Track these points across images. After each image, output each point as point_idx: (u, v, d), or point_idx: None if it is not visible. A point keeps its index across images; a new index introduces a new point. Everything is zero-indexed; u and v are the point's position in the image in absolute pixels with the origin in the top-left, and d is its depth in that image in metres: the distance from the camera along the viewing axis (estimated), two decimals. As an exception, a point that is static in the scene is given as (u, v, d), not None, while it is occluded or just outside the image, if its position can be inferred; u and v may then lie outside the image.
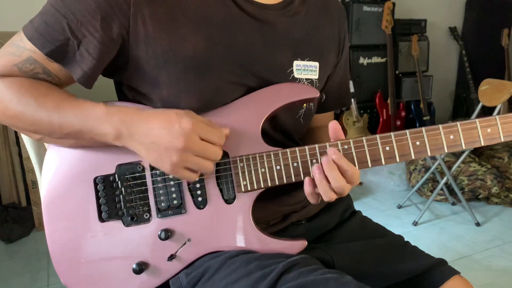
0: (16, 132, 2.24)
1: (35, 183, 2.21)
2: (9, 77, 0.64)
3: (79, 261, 0.69)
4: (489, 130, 0.65)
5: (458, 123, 0.65)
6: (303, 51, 0.74)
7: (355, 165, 0.65)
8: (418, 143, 0.65)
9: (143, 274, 0.68)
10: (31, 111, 0.63)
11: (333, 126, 0.66)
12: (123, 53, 0.64)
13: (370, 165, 0.65)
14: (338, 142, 0.65)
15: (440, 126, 0.64)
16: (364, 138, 0.65)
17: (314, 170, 0.64)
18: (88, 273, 0.69)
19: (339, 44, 0.83)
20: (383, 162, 0.65)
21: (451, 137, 0.65)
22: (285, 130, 0.75)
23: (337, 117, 3.01)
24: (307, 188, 0.65)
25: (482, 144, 0.64)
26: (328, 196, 0.64)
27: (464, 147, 0.65)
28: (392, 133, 0.65)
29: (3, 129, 2.21)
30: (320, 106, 0.85)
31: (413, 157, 0.65)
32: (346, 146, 0.65)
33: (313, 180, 0.65)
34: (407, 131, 0.65)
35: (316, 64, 0.76)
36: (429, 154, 0.65)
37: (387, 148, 0.65)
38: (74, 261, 0.69)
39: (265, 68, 0.70)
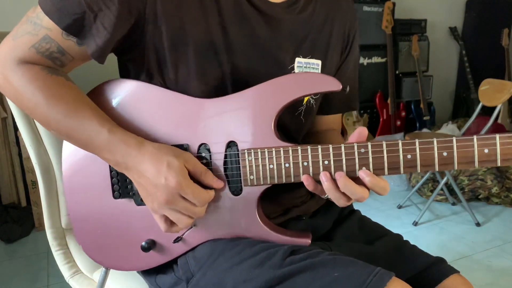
0: (16, 132, 2.23)
1: (35, 183, 2.21)
2: (27, 66, 0.64)
3: (96, 232, 0.72)
4: None
5: (497, 135, 0.56)
6: (306, 48, 0.74)
7: (370, 170, 0.60)
8: (445, 153, 0.58)
9: (151, 251, 0.70)
10: (41, 110, 0.64)
11: (361, 132, 0.61)
12: (137, 30, 0.64)
13: (386, 173, 0.60)
14: (355, 144, 0.60)
15: (475, 137, 0.57)
16: (384, 143, 0.59)
17: (322, 178, 0.61)
18: (103, 243, 0.73)
19: (344, 42, 0.82)
20: (402, 171, 0.59)
21: (486, 151, 0.57)
22: (284, 128, 0.74)
23: (337, 117, 3.00)
24: (308, 186, 0.63)
25: None
26: (342, 203, 0.62)
27: (499, 164, 0.57)
28: (417, 141, 0.58)
29: (3, 129, 2.21)
30: (325, 107, 0.83)
31: (436, 169, 0.58)
32: (363, 150, 0.60)
33: (310, 178, 0.63)
34: (435, 140, 0.57)
35: (319, 62, 0.75)
36: (455, 167, 0.58)
37: (409, 157, 0.59)
38: (91, 232, 0.73)
39: (266, 63, 0.70)
